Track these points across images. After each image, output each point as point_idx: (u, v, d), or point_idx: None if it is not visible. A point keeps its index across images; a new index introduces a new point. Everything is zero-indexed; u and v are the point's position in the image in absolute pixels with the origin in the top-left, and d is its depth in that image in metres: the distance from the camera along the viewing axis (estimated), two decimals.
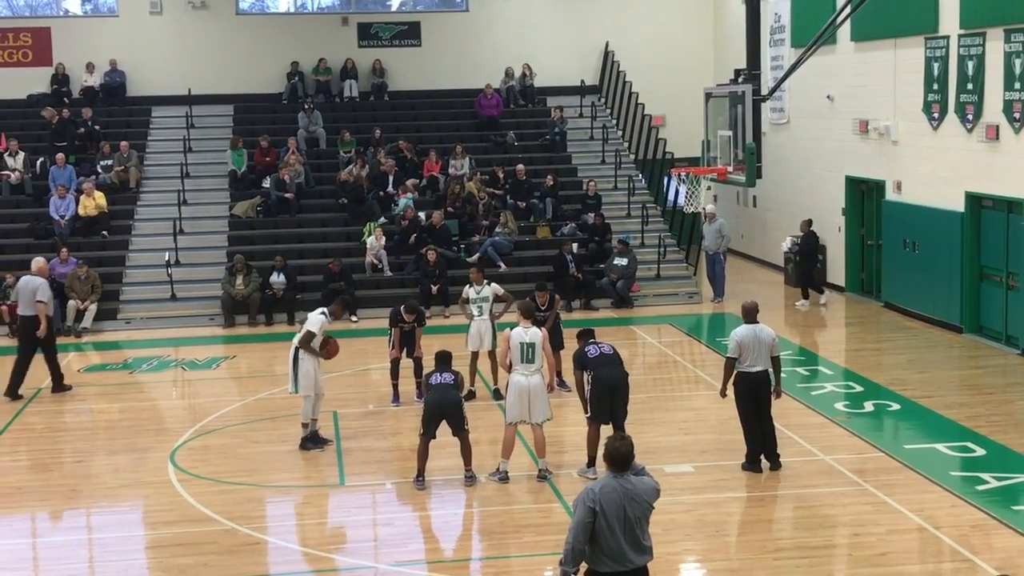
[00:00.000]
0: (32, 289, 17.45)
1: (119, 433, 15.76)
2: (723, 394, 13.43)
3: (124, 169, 26.23)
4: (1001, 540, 11.18)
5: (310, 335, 14.29)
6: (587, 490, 7.83)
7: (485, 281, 16.86)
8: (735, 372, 13.14)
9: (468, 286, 16.89)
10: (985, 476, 12.98)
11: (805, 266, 23.84)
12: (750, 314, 13.29)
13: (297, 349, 14.35)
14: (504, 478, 13.03)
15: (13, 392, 17.35)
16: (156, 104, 29.28)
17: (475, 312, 16.58)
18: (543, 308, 16.40)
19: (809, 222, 24.16)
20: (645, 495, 7.83)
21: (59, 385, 17.71)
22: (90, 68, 29.01)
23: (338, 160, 27.11)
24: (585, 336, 13.56)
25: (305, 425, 14.49)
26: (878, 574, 10.45)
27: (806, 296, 23.46)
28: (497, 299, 16.73)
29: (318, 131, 28.14)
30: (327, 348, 14.60)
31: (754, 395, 13.13)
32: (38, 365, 17.59)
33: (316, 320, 14.40)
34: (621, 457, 7.84)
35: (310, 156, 27.43)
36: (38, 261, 18.40)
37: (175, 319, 22.65)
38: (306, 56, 29.74)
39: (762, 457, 13.25)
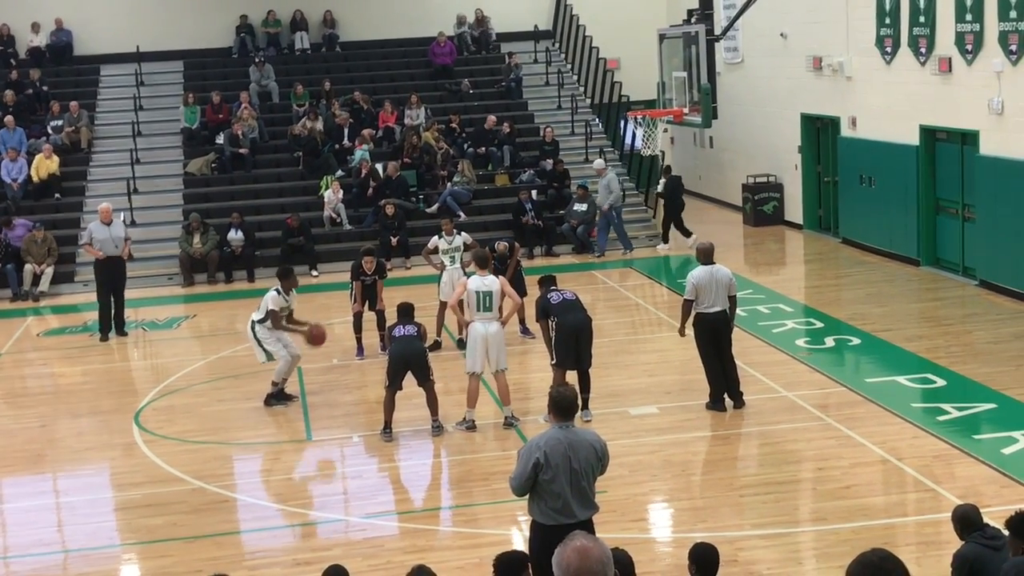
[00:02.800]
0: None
1: (82, 396, 15.67)
2: (682, 333, 13.54)
3: (75, 130, 25.89)
4: (963, 469, 11.34)
5: (273, 315, 14.17)
6: (531, 441, 7.74)
7: (455, 231, 16.85)
8: (695, 313, 13.20)
9: (438, 236, 16.87)
10: (946, 407, 13.14)
11: (670, 208, 23.92)
12: (706, 255, 13.27)
13: (253, 323, 14.25)
14: (471, 427, 13.07)
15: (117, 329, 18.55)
16: (104, 63, 28.84)
17: (447, 262, 16.57)
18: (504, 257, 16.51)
19: (668, 168, 24.44)
20: (591, 444, 7.65)
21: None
22: (35, 28, 28.53)
23: (292, 114, 26.86)
24: (547, 283, 13.57)
25: (276, 383, 14.43)
26: (843, 507, 10.58)
27: (666, 240, 23.81)
28: (466, 247, 16.69)
29: (270, 85, 27.85)
30: (310, 332, 14.37)
31: (714, 335, 13.17)
32: None
33: (269, 298, 14.23)
34: (567, 404, 7.68)
35: (263, 110, 27.16)
36: (101, 205, 19.16)
37: (133, 279, 22.35)
38: (255, 8, 29.39)
39: (725, 396, 13.35)
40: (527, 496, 7.75)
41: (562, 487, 7.53)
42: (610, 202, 22.94)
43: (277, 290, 14.35)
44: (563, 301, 12.99)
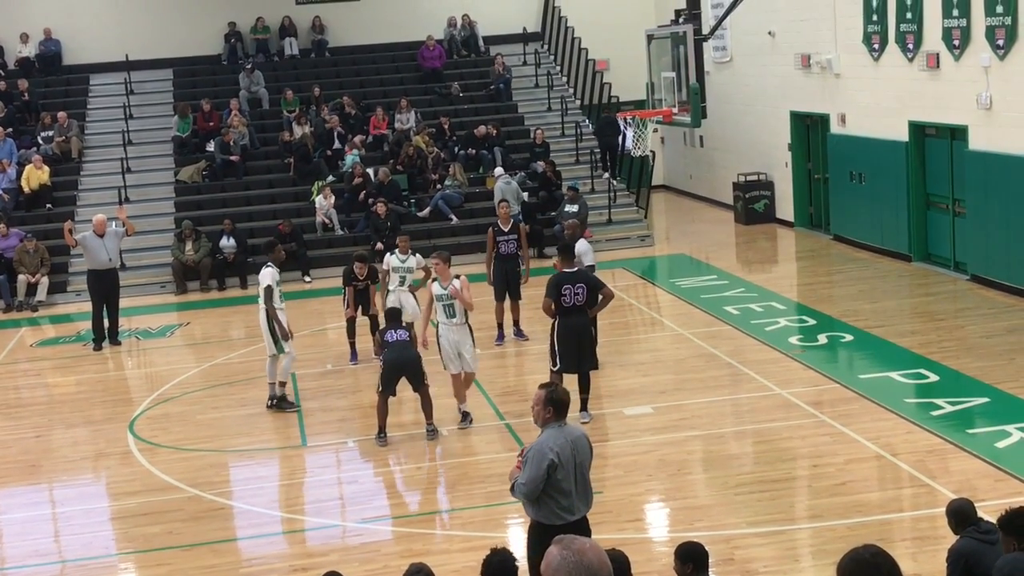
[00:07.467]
0: None
1: (77, 406, 15.64)
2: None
3: (65, 139, 25.86)
4: (957, 463, 11.37)
5: (268, 290, 14.14)
6: (540, 445, 7.57)
7: (411, 251, 16.04)
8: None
9: (390, 254, 16.11)
10: (939, 401, 13.17)
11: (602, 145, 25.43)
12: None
13: (267, 312, 14.18)
14: (468, 419, 13.38)
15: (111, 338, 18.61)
16: (94, 72, 28.81)
17: (397, 282, 15.82)
18: (507, 231, 16.70)
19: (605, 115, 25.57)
20: (585, 437, 7.78)
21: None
22: (24, 38, 28.50)
23: (282, 120, 26.86)
24: (567, 255, 13.27)
25: (283, 384, 14.39)
26: (838, 503, 10.60)
27: (614, 176, 25.40)
28: (419, 268, 15.89)
29: (260, 91, 27.85)
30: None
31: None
32: None
33: (265, 275, 14.21)
34: (566, 404, 7.74)
35: (253, 117, 27.16)
36: (95, 217, 19.25)
37: (126, 288, 22.32)
38: (243, 15, 29.39)
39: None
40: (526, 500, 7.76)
41: (571, 485, 7.63)
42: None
43: (269, 264, 14.31)
44: (573, 306, 12.87)
